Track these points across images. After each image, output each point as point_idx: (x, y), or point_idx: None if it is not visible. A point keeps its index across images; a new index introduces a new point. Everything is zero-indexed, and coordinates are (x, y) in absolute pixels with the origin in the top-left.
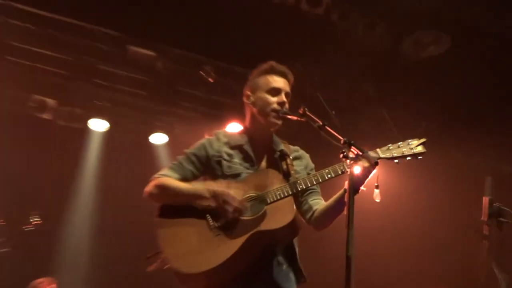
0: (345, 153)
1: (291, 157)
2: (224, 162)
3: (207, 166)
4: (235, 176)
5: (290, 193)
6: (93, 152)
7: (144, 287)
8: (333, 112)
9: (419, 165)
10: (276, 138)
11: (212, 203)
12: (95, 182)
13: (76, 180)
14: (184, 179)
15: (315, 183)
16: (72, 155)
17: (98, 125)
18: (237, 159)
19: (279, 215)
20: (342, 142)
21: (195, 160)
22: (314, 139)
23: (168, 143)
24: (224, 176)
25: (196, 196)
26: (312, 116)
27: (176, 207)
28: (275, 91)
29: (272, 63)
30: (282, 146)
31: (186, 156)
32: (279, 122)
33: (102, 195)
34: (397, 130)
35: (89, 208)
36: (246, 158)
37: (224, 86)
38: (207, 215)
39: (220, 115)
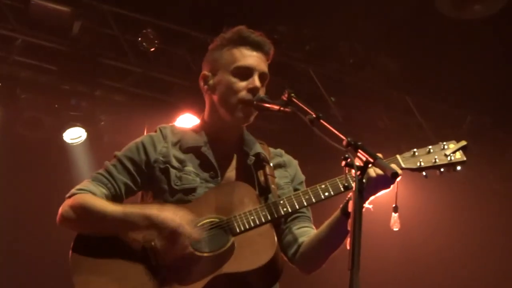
0: (348, 160)
1: (271, 165)
2: (173, 171)
3: (148, 176)
4: (189, 191)
5: (269, 218)
6: None
7: None
8: (332, 98)
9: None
10: (249, 137)
11: (150, 235)
12: None
13: None
14: (115, 195)
15: (305, 204)
16: None
17: None
18: (191, 167)
19: (252, 252)
20: (344, 143)
21: (130, 168)
22: (305, 139)
23: (88, 142)
24: (173, 191)
25: (127, 224)
26: (302, 105)
27: (101, 236)
28: (245, 72)
29: (241, 29)
30: (259, 148)
31: (118, 162)
32: (251, 118)
33: None
34: (427, 126)
35: None
36: (204, 165)
37: (172, 59)
38: (147, 249)
39: (166, 102)
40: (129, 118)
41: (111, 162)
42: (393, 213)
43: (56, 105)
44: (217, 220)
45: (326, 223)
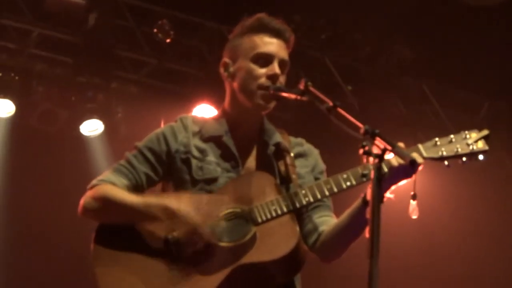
0: (366, 148)
1: (291, 154)
2: (194, 161)
3: (169, 167)
4: (210, 181)
5: (291, 208)
6: None
7: None
8: (349, 87)
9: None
10: (269, 126)
11: (171, 226)
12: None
13: None
14: (136, 186)
15: (327, 193)
16: None
17: (1, 107)
18: (212, 157)
19: (274, 242)
20: (362, 131)
21: (151, 158)
22: (323, 128)
23: (105, 134)
24: (194, 182)
25: (147, 214)
26: (319, 94)
27: (122, 227)
28: (265, 59)
29: (261, 16)
30: (279, 137)
31: (139, 152)
32: (270, 104)
33: (10, 211)
34: (444, 113)
35: None
36: (225, 155)
37: (188, 50)
38: (168, 240)
39: (182, 93)
40: (146, 110)
41: (132, 152)
42: (411, 201)
43: (73, 98)
44: (238, 210)
45: (347, 212)
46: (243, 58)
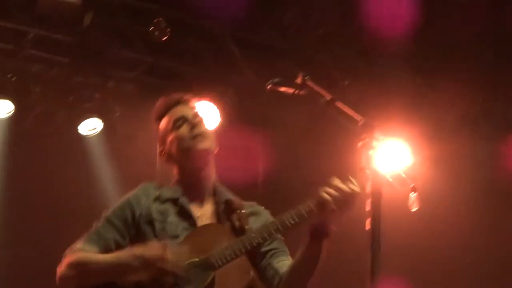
0: (365, 140)
1: (243, 211)
2: (157, 223)
3: (135, 230)
4: (173, 238)
5: (243, 250)
6: None
7: None
8: (347, 82)
9: None
10: (220, 188)
11: (145, 274)
12: None
13: None
14: (106, 252)
15: (273, 233)
16: None
17: None
18: (172, 217)
19: (231, 281)
20: (360, 124)
21: (118, 224)
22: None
23: (104, 133)
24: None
25: (121, 267)
26: (316, 88)
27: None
28: (181, 121)
29: (160, 102)
30: (230, 196)
31: (106, 221)
32: (207, 144)
33: (8, 212)
34: (440, 106)
35: None
36: (182, 214)
37: (185, 48)
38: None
39: (180, 91)
40: (144, 108)
41: (100, 222)
42: (411, 193)
43: (71, 98)
44: (197, 259)
45: (299, 250)
46: (167, 135)
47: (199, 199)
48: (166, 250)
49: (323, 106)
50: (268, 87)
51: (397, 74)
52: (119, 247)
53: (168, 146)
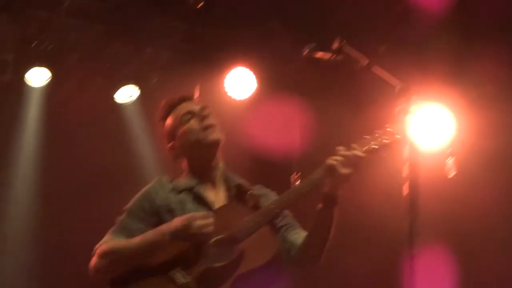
0: (403, 105)
1: (254, 193)
2: (176, 212)
3: (157, 220)
4: None
5: (265, 221)
6: (31, 119)
7: None
8: (384, 47)
9: None
10: (231, 175)
11: (173, 249)
12: (36, 165)
13: (5, 162)
14: None
15: (292, 200)
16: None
17: (37, 76)
18: (189, 205)
19: (260, 250)
20: (397, 89)
21: (141, 215)
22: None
23: (140, 100)
24: None
25: (151, 246)
26: (353, 53)
27: (130, 275)
28: (189, 116)
29: (165, 102)
30: (239, 180)
31: (130, 213)
32: (217, 135)
33: (45, 185)
34: (475, 69)
35: (26, 204)
36: (199, 202)
37: (220, 12)
38: (170, 272)
39: (216, 57)
40: (180, 75)
41: (123, 216)
42: (448, 159)
43: (107, 65)
44: (222, 235)
45: (312, 220)
46: (177, 130)
47: (212, 187)
48: (190, 218)
49: (360, 71)
50: (305, 53)
51: (436, 40)
52: None
53: (178, 140)
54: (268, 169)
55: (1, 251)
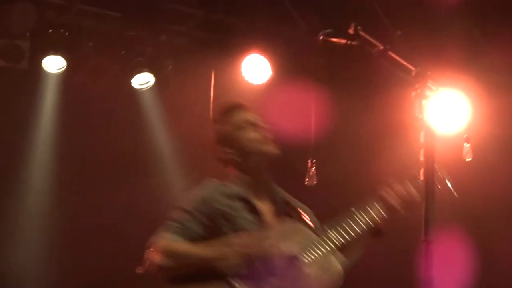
0: (419, 90)
1: (295, 206)
2: (231, 217)
3: (213, 223)
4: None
5: (335, 246)
6: (47, 106)
7: None
8: (399, 32)
9: None
10: (274, 186)
11: (237, 260)
12: (52, 151)
13: (22, 149)
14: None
15: (360, 232)
16: (16, 112)
17: (52, 64)
18: (242, 213)
19: (324, 273)
20: (413, 73)
21: (199, 217)
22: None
23: (156, 87)
24: (233, 233)
25: (218, 256)
26: (369, 38)
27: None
28: (245, 125)
29: (221, 106)
30: (283, 193)
31: (188, 214)
32: (271, 147)
33: (62, 171)
34: (494, 53)
35: (43, 189)
36: (251, 211)
37: (240, 0)
38: (229, 276)
39: (231, 44)
40: (195, 62)
41: (182, 215)
42: (465, 143)
43: (123, 52)
44: (286, 252)
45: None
46: (231, 136)
47: (259, 197)
48: (257, 238)
49: (375, 57)
50: (320, 38)
51: (452, 25)
52: (200, 239)
53: (234, 146)
54: (283, 155)
55: (18, 236)
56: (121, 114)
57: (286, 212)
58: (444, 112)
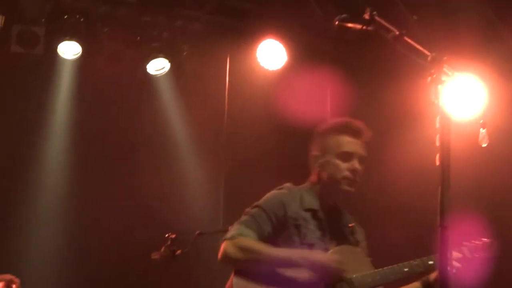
0: (434, 75)
1: (357, 231)
2: (302, 228)
3: (283, 227)
4: (311, 246)
5: (382, 283)
6: (63, 92)
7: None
8: (414, 17)
9: None
10: (343, 210)
11: (306, 273)
12: (68, 136)
13: (38, 136)
14: (260, 239)
15: (404, 276)
16: (31, 97)
17: (68, 49)
18: (311, 226)
19: None
20: (429, 58)
21: (273, 219)
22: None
23: (172, 72)
24: (300, 244)
25: (289, 263)
26: (384, 23)
27: (256, 274)
28: (347, 156)
29: (346, 121)
30: (349, 218)
31: (263, 213)
32: (352, 189)
33: (77, 156)
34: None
35: (59, 175)
36: (319, 226)
37: None
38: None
39: (246, 29)
40: (211, 47)
41: (256, 211)
42: (481, 129)
43: (138, 38)
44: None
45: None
46: (330, 154)
47: (330, 214)
48: (332, 260)
49: (391, 42)
50: (336, 24)
51: (468, 9)
52: (269, 238)
53: (324, 162)
54: (298, 139)
55: (34, 222)
56: (136, 100)
57: (349, 236)
58: (460, 97)
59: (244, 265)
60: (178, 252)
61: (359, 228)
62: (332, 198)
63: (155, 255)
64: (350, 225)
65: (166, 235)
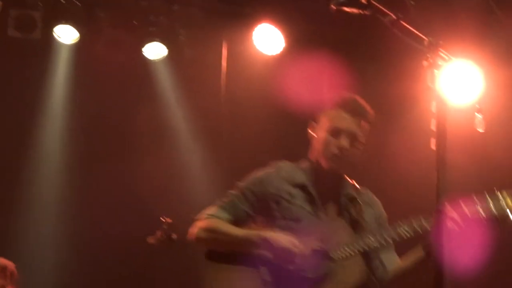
0: (431, 60)
1: (360, 203)
2: (284, 203)
3: (263, 204)
4: (296, 220)
5: (361, 250)
6: (60, 76)
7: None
8: (412, 1)
9: None
10: (345, 182)
11: (266, 253)
12: (65, 122)
13: (35, 123)
14: (236, 220)
15: (390, 240)
16: (29, 82)
17: (65, 34)
18: (299, 201)
19: (347, 276)
20: (426, 43)
21: (251, 198)
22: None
23: (169, 57)
24: (283, 219)
25: (248, 243)
26: (381, 7)
27: (227, 255)
28: (337, 132)
29: (349, 97)
30: (350, 189)
31: (241, 192)
32: (336, 166)
33: (73, 142)
34: (508, 23)
35: (55, 162)
36: (309, 200)
37: None
38: (261, 267)
39: (242, 13)
40: (208, 32)
41: (234, 192)
42: (477, 114)
43: (135, 22)
44: (318, 248)
45: (409, 260)
46: (323, 128)
47: (326, 187)
48: (292, 244)
49: (388, 26)
50: (333, 8)
51: None
52: (248, 218)
53: (318, 133)
54: (296, 124)
55: (30, 209)
56: (134, 85)
57: (347, 207)
58: (457, 82)
59: (210, 246)
60: (174, 236)
61: (370, 200)
62: (329, 172)
63: (150, 239)
64: (351, 198)
65: (161, 218)
